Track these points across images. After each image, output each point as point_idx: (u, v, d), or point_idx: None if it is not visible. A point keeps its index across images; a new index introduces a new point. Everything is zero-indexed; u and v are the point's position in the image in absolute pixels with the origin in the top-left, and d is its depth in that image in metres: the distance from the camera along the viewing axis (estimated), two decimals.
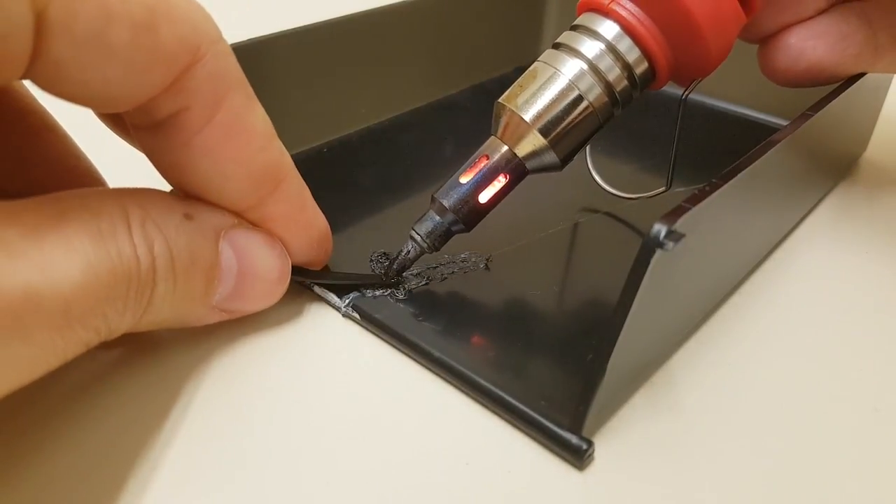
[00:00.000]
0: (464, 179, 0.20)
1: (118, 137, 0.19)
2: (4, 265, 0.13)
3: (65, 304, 0.13)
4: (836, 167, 0.28)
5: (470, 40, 0.35)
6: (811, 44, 0.22)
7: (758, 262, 0.23)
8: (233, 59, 0.16)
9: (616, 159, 0.28)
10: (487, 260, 0.22)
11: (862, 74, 0.23)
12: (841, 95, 0.21)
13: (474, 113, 0.33)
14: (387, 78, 0.31)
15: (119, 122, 0.19)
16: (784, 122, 0.31)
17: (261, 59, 0.26)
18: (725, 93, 0.33)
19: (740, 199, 0.19)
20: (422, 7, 0.32)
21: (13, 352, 0.13)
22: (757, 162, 0.17)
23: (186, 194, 0.18)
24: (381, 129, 0.31)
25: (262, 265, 0.18)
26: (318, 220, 0.20)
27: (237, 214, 0.18)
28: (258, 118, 0.17)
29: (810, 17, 0.22)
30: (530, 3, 0.37)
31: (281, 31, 0.26)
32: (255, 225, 0.18)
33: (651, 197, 0.23)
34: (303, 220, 0.19)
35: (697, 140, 0.30)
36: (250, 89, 0.17)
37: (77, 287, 0.14)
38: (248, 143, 0.17)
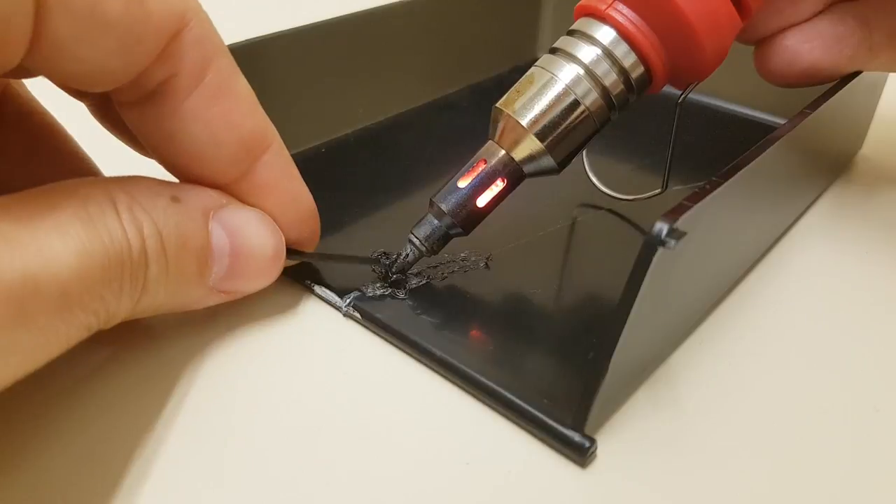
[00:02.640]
0: (462, 184, 0.20)
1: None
2: (2, 253, 0.13)
3: (63, 288, 0.14)
4: (833, 165, 0.28)
5: (466, 40, 0.35)
6: (807, 46, 0.22)
7: (757, 259, 0.24)
8: (214, 27, 0.17)
9: (612, 159, 0.28)
10: (487, 259, 0.22)
11: (858, 73, 0.23)
12: (838, 94, 0.22)
13: (471, 113, 0.33)
14: (383, 78, 0.31)
15: (118, 121, 0.19)
16: (778, 121, 0.31)
17: (257, 59, 0.26)
18: (720, 91, 0.33)
19: (740, 197, 0.19)
20: (418, 7, 0.32)
21: (17, 338, 0.13)
22: (756, 160, 0.18)
23: (179, 170, 0.18)
24: (378, 129, 0.31)
25: (255, 242, 0.18)
26: (304, 192, 0.20)
27: (227, 187, 0.18)
28: (243, 84, 0.18)
29: (806, 19, 0.22)
30: (526, 4, 0.38)
31: (277, 32, 0.26)
32: (244, 195, 0.18)
33: (647, 198, 0.23)
34: (291, 190, 0.19)
35: (691, 139, 0.30)
36: (232, 57, 0.17)
37: (73, 270, 0.14)
38: (237, 106, 0.17)
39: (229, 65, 0.17)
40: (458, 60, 0.35)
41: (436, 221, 0.20)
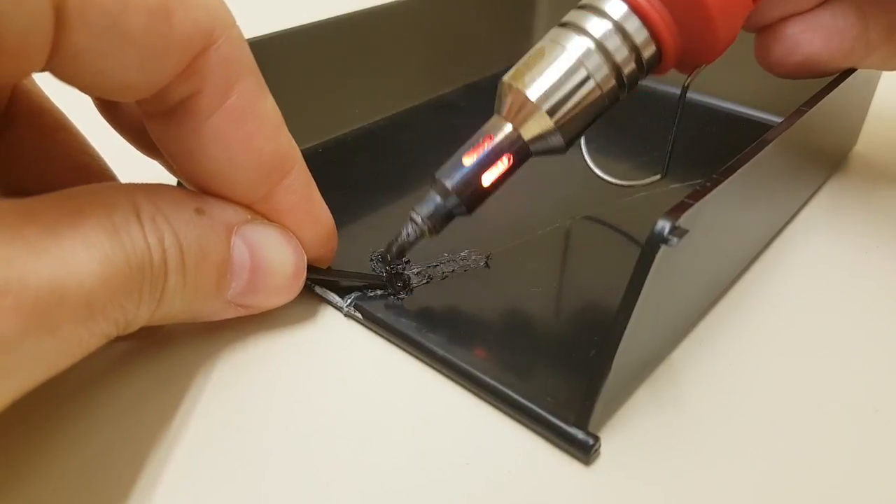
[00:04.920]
0: (467, 160, 0.19)
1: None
2: (30, 263, 0.13)
3: (87, 297, 0.14)
4: (829, 161, 0.28)
5: (462, 40, 0.35)
6: (807, 36, 0.22)
7: (756, 256, 0.24)
8: (245, 46, 0.17)
9: (611, 156, 0.28)
10: (487, 258, 0.23)
11: (854, 69, 0.23)
12: (834, 90, 0.22)
13: (468, 112, 0.33)
14: (381, 78, 0.31)
15: (124, 122, 0.19)
16: (772, 118, 0.32)
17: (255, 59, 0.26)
18: (714, 89, 0.33)
19: (740, 195, 0.19)
20: (414, 7, 0.32)
21: (42, 345, 0.13)
22: (755, 157, 0.18)
23: (197, 187, 0.18)
24: (375, 129, 0.31)
25: (276, 260, 0.18)
26: (324, 214, 0.20)
27: (247, 207, 0.18)
28: (269, 106, 0.17)
29: (808, 10, 0.22)
30: (522, 3, 0.38)
31: (274, 32, 0.26)
32: (263, 216, 0.18)
33: (646, 185, 0.23)
34: (311, 213, 0.19)
35: (687, 136, 0.30)
36: (262, 77, 0.17)
37: (97, 280, 0.14)
38: (259, 130, 0.17)
39: (256, 85, 0.17)
40: (455, 60, 0.35)
41: (439, 199, 0.20)
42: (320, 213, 0.20)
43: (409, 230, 0.20)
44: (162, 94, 0.16)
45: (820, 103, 0.21)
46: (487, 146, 0.19)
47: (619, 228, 0.25)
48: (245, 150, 0.17)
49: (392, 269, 0.21)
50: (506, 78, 0.20)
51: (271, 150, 0.17)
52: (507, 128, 0.19)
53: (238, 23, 0.17)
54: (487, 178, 0.19)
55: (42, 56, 0.13)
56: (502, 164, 0.19)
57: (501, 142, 0.19)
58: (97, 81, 0.15)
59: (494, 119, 0.20)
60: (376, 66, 0.31)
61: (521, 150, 0.20)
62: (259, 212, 0.18)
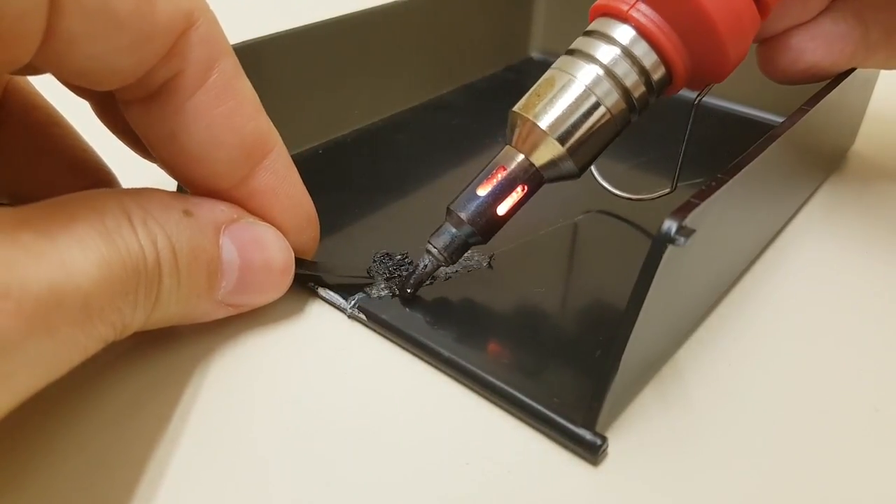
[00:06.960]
0: (481, 191, 0.19)
1: None
2: (29, 266, 0.13)
3: (85, 300, 0.14)
4: (828, 160, 0.28)
5: (460, 41, 0.35)
6: (811, 45, 0.22)
7: (757, 255, 0.24)
8: (221, 28, 0.17)
9: (613, 157, 0.28)
10: (490, 258, 0.22)
11: (853, 69, 0.23)
12: (834, 90, 0.22)
13: (466, 112, 0.33)
14: (379, 79, 0.31)
15: (123, 126, 0.19)
16: (770, 117, 0.32)
17: (253, 61, 0.25)
18: (713, 89, 0.33)
19: (743, 194, 0.19)
20: (413, 7, 0.32)
21: (41, 348, 0.13)
22: (760, 156, 0.18)
23: (180, 171, 0.18)
24: (374, 130, 0.31)
25: (264, 257, 0.18)
26: (305, 199, 0.20)
27: (228, 191, 0.18)
28: (247, 86, 0.18)
29: (810, 19, 0.23)
30: (519, 4, 0.38)
31: (274, 33, 0.26)
32: (245, 200, 0.18)
33: (655, 199, 0.23)
34: (292, 195, 0.19)
35: (684, 136, 0.30)
36: (237, 60, 0.18)
37: (94, 282, 0.14)
38: (240, 108, 0.17)
39: (234, 66, 0.17)
40: (452, 60, 0.35)
41: (454, 230, 0.20)
42: (301, 197, 0.20)
43: (425, 262, 0.20)
44: (145, 77, 0.16)
45: (822, 102, 0.21)
46: (501, 176, 0.19)
47: (621, 228, 0.25)
48: (227, 127, 0.17)
49: (394, 269, 0.21)
50: (516, 108, 0.20)
51: (252, 128, 0.18)
52: (519, 157, 0.20)
53: (237, 24, 0.17)
54: (502, 208, 0.20)
55: (36, 40, 0.13)
56: (517, 194, 0.20)
57: (514, 171, 0.19)
58: (88, 67, 0.15)
59: (506, 149, 0.20)
60: (375, 66, 0.31)
61: (533, 178, 0.20)
62: (241, 194, 0.18)
